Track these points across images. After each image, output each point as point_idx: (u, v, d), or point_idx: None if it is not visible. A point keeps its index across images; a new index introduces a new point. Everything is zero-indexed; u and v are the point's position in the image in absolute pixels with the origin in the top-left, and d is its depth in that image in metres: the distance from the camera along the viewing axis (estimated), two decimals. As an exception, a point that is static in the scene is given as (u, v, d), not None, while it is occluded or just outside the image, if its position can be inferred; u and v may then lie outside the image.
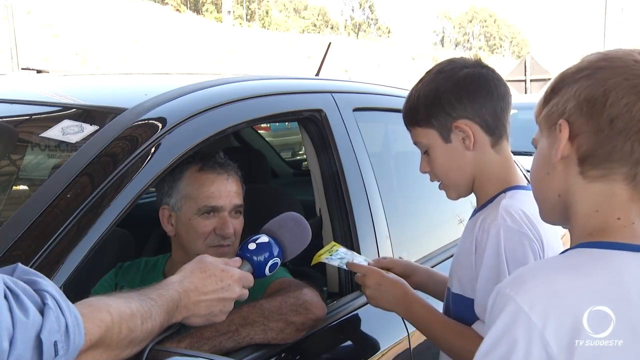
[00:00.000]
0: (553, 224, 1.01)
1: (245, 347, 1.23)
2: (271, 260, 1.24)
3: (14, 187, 1.53)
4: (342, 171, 1.68)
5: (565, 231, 1.06)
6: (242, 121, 1.48)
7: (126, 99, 1.43)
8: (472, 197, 1.34)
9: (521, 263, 1.11)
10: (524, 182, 1.31)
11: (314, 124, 1.68)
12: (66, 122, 1.32)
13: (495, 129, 1.25)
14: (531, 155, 0.96)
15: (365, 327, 1.59)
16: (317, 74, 2.46)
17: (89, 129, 1.26)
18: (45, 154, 1.41)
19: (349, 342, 1.60)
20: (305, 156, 2.24)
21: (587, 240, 0.84)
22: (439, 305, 1.39)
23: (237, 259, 1.21)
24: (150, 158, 1.20)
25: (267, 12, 63.13)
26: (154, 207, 1.57)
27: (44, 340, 0.72)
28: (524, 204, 1.18)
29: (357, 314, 1.58)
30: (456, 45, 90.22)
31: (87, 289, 1.57)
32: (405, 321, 1.53)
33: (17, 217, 1.06)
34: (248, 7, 60.20)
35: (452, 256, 1.41)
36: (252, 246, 1.23)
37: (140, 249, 2.13)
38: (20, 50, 17.17)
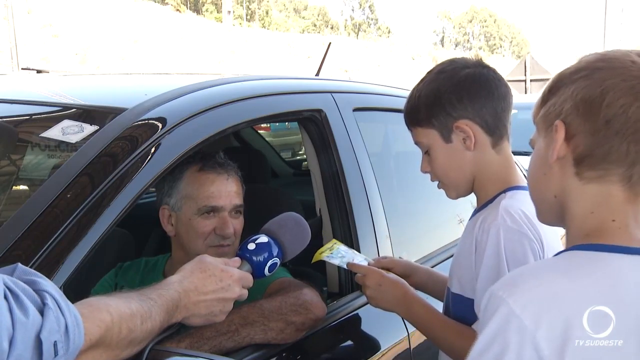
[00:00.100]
0: (550, 225, 1.01)
1: (245, 347, 1.23)
2: (270, 260, 1.24)
3: (14, 187, 1.53)
4: (342, 171, 1.68)
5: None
6: (242, 121, 1.48)
7: (126, 99, 1.44)
8: (472, 197, 1.34)
9: (521, 263, 1.11)
10: (524, 183, 1.30)
11: (314, 124, 1.68)
12: (66, 122, 1.32)
13: (496, 129, 1.25)
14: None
15: (365, 327, 1.59)
16: (317, 74, 2.46)
17: (89, 129, 1.26)
18: (45, 154, 1.41)
19: (349, 342, 1.60)
20: (305, 156, 2.24)
21: (582, 242, 0.84)
22: (439, 305, 1.39)
23: (237, 259, 1.21)
24: (150, 158, 1.20)
25: (267, 12, 63.14)
26: (154, 207, 1.57)
27: (44, 341, 0.72)
28: (524, 204, 1.18)
29: (357, 314, 1.58)
30: (456, 45, 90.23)
31: (87, 289, 1.57)
32: (405, 321, 1.53)
33: (17, 217, 1.06)
34: (248, 7, 60.21)
35: (452, 256, 1.41)
36: (251, 246, 1.23)
37: (140, 249, 2.13)
38: (20, 50, 17.16)
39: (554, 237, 1.22)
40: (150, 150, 1.20)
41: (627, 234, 0.82)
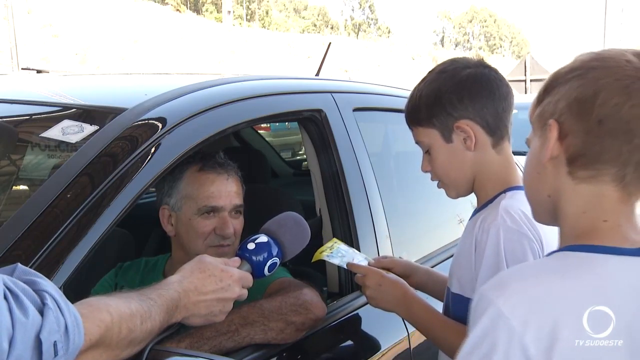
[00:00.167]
0: (545, 224, 1.01)
1: (245, 347, 1.23)
2: (270, 260, 1.24)
3: (14, 187, 1.53)
4: (342, 171, 1.68)
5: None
6: (242, 121, 1.48)
7: (126, 99, 1.44)
8: (472, 197, 1.34)
9: (520, 263, 1.11)
10: (524, 183, 1.31)
11: (314, 124, 1.68)
12: (66, 122, 1.32)
13: (497, 129, 1.25)
14: (531, 155, 0.95)
15: (365, 327, 1.59)
16: (317, 74, 2.46)
17: (89, 129, 1.26)
18: (45, 154, 1.41)
19: (349, 342, 1.60)
20: (305, 156, 2.24)
21: (574, 242, 0.84)
22: (439, 305, 1.39)
23: (236, 258, 1.21)
24: (150, 158, 1.20)
25: (267, 12, 63.14)
26: (154, 207, 1.57)
27: (44, 341, 0.72)
28: (523, 204, 1.18)
29: (357, 314, 1.58)
30: (456, 45, 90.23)
31: (87, 289, 1.57)
32: (405, 321, 1.53)
33: (17, 217, 1.06)
34: (248, 7, 60.21)
35: (452, 256, 1.41)
36: (251, 246, 1.23)
37: (140, 249, 2.13)
38: (20, 50, 17.16)
39: (554, 237, 1.22)
40: (150, 150, 1.20)
41: (620, 234, 0.82)
